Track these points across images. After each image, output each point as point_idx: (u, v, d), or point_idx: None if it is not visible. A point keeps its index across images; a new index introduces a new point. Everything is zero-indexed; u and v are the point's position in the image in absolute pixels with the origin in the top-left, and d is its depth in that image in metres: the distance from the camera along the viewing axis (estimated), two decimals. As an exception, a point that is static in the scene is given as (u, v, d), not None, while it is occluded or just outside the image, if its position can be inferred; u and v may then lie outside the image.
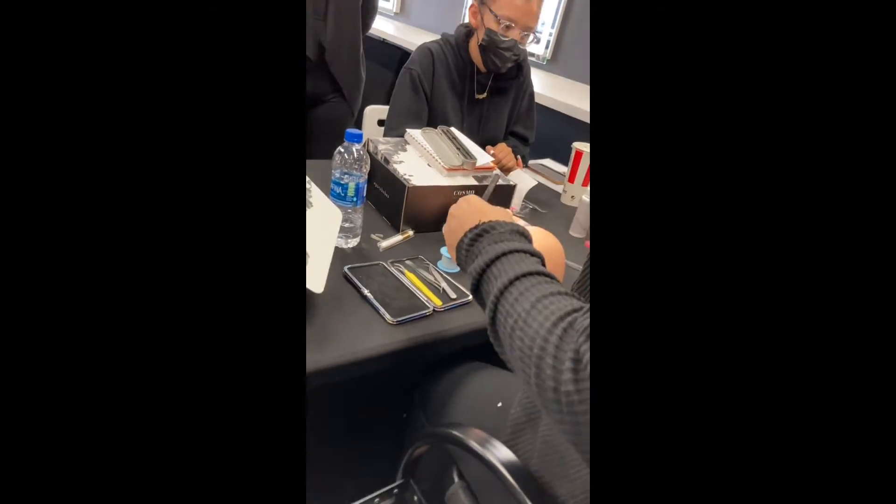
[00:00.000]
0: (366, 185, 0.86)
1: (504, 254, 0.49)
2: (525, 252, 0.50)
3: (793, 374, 0.25)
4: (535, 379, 0.40)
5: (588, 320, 0.38)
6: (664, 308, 0.27)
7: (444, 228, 0.61)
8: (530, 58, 2.55)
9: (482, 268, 0.50)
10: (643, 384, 0.27)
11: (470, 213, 0.57)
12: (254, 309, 0.30)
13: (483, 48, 1.23)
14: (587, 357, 0.35)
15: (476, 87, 1.33)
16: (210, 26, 0.29)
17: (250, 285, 0.30)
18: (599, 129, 0.30)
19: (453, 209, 0.61)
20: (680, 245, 0.27)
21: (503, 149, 1.29)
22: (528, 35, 1.21)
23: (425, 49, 1.29)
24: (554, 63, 2.50)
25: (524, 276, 0.46)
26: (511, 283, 0.46)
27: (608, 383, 0.28)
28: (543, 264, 0.50)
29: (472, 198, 0.61)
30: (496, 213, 0.56)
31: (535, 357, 0.40)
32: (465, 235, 0.54)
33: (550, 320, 0.40)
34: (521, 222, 0.93)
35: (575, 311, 0.41)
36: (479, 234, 0.53)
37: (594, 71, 0.31)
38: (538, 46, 2.52)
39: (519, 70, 1.38)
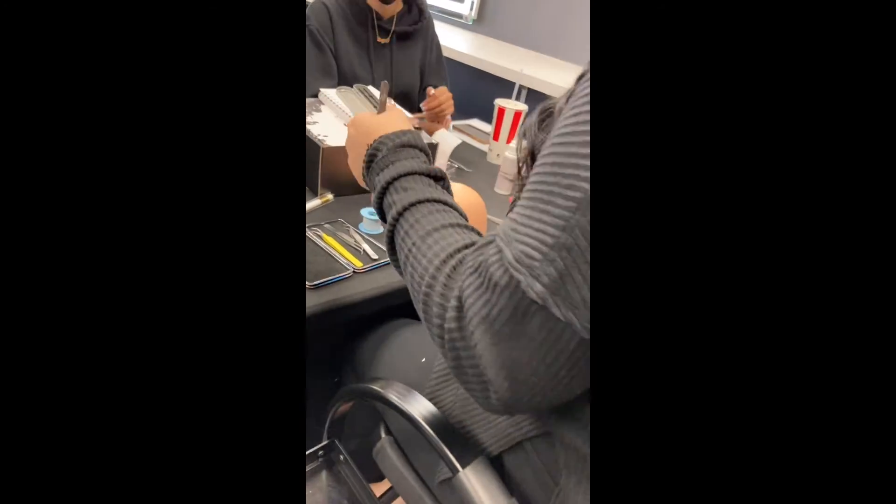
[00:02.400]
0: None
1: (398, 177, 0.48)
2: (419, 174, 0.48)
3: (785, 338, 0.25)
4: (423, 311, 0.41)
5: (476, 257, 0.37)
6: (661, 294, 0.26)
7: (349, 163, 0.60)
8: (456, 18, 2.50)
9: (379, 195, 0.49)
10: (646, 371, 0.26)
11: (359, 136, 0.55)
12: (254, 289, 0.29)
13: None
14: (469, 301, 0.36)
15: (379, 32, 1.30)
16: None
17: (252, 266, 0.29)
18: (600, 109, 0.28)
19: (346, 141, 0.60)
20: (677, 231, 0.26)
21: (444, 92, 1.25)
22: None
23: (319, 4, 1.24)
24: (480, 24, 2.46)
25: (420, 203, 0.45)
26: (406, 209, 0.45)
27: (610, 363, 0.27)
28: (440, 181, 0.49)
29: (359, 118, 0.58)
30: (389, 125, 0.53)
31: (423, 294, 0.41)
32: (364, 161, 0.53)
33: (440, 257, 0.41)
34: None
35: (466, 246, 0.41)
36: (370, 156, 0.52)
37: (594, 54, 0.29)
38: (463, 6, 2.47)
39: (420, 15, 1.35)
